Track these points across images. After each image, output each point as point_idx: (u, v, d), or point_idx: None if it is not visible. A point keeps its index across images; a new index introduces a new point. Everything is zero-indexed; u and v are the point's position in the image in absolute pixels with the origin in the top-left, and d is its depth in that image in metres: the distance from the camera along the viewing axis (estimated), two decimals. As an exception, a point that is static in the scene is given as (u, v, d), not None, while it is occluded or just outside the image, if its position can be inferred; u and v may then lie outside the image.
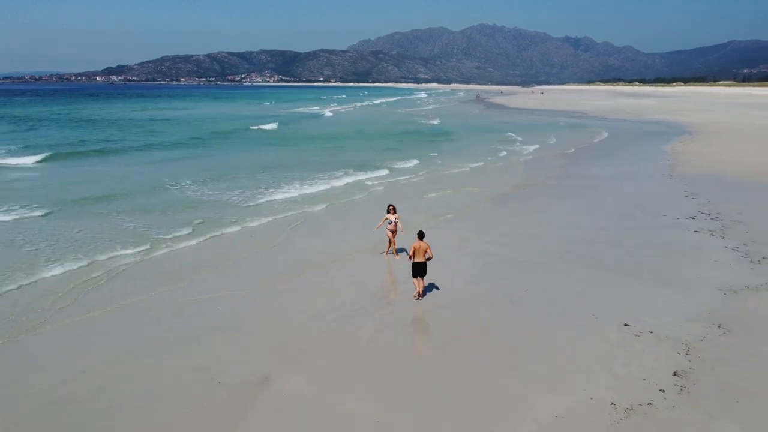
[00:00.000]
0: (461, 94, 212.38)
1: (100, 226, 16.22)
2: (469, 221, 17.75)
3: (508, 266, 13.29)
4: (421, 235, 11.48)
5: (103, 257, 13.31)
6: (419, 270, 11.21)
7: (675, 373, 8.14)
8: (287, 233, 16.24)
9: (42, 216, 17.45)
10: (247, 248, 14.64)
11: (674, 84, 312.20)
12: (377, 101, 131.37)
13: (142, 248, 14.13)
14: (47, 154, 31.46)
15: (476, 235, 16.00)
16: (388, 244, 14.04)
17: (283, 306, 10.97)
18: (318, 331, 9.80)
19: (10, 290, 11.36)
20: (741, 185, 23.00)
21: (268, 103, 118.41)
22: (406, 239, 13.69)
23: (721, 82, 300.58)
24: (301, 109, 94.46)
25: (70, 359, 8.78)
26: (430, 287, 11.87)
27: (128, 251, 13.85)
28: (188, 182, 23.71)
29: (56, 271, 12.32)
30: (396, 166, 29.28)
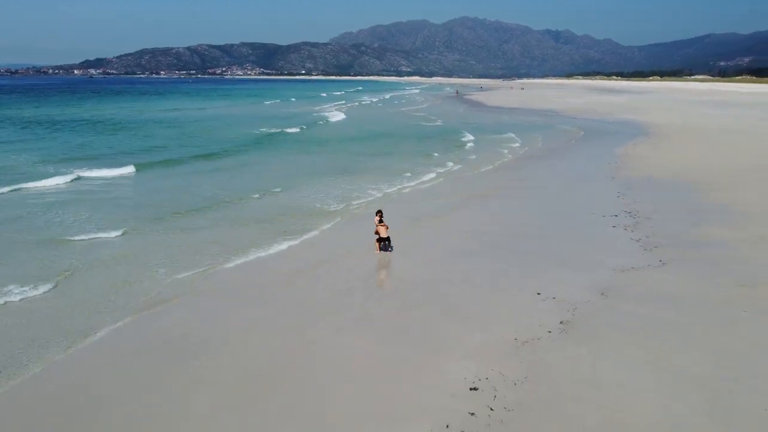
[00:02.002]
0: (447, 89, 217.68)
1: (196, 238, 19.13)
2: (443, 221, 21.83)
3: (462, 255, 17.53)
4: (381, 219, 17.44)
5: (199, 267, 16.36)
6: (384, 239, 17.30)
7: (561, 322, 12.44)
8: (326, 235, 19.94)
9: (144, 231, 19.94)
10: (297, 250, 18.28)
11: (651, 78, 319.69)
12: (374, 99, 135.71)
13: (229, 255, 17.37)
14: (132, 165, 33.03)
15: (444, 232, 20.27)
16: (377, 242, 17.63)
17: (304, 288, 15.12)
18: (324, 301, 14.00)
19: (143, 290, 15.09)
20: (667, 185, 27.45)
21: (270, 101, 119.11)
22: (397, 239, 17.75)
23: (697, 76, 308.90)
24: (312, 107, 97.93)
25: (188, 313, 13.20)
26: (404, 272, 16.18)
27: (218, 256, 17.26)
28: (251, 193, 26.23)
29: (173, 276, 15.62)
30: (439, 170, 33.33)
